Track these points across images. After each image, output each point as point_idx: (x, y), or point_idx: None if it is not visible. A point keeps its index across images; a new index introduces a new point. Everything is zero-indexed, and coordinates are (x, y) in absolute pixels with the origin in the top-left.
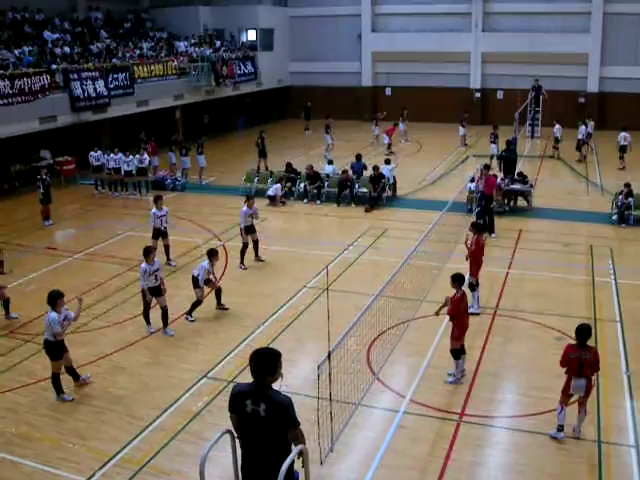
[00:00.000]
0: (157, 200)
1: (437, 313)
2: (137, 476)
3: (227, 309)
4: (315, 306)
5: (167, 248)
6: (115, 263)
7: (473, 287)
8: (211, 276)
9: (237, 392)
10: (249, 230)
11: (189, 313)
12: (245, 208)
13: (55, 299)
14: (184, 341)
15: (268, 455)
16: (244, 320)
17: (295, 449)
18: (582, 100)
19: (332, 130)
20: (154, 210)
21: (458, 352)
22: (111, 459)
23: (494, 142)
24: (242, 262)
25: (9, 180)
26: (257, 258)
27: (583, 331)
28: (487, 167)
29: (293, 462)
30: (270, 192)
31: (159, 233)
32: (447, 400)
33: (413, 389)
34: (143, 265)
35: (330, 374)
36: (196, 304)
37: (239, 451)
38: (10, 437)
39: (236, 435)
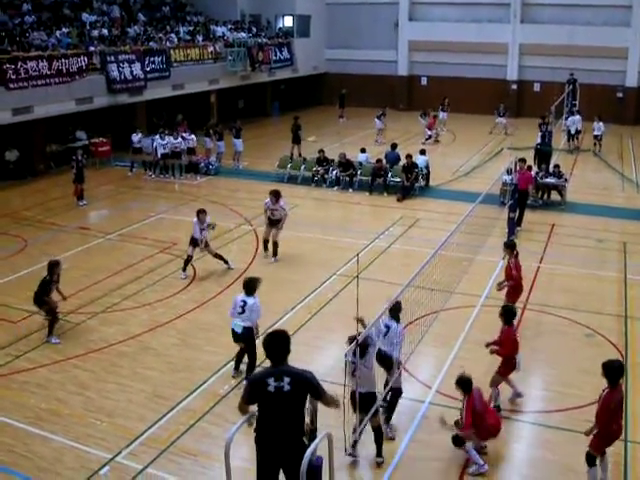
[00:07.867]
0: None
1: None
2: (163, 455)
3: None
4: (344, 294)
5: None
6: (147, 245)
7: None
8: None
9: (256, 378)
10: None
11: None
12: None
13: None
14: (212, 324)
15: (286, 432)
16: (272, 306)
17: (320, 435)
18: (620, 95)
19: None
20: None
21: None
22: (137, 437)
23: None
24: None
25: (45, 160)
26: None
27: None
28: (523, 160)
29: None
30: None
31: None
32: None
33: (439, 380)
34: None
35: (357, 362)
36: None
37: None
38: (39, 412)
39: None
